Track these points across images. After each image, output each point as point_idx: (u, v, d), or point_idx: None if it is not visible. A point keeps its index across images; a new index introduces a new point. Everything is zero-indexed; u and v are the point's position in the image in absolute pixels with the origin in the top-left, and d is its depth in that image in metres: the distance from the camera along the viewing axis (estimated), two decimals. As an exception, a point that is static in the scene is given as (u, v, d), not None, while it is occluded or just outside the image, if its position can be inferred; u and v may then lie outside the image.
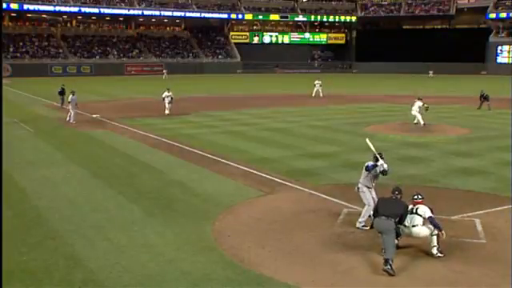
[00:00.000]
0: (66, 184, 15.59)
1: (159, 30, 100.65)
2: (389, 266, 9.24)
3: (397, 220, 9.79)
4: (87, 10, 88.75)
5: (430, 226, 10.09)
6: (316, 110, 36.07)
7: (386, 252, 9.46)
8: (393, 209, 9.86)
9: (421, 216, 10.14)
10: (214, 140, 23.70)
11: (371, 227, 10.29)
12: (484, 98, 36.84)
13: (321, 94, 46.06)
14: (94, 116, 31.59)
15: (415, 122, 28.01)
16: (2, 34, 76.46)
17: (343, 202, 13.41)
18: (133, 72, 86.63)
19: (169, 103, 32.16)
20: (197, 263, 9.68)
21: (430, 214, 10.11)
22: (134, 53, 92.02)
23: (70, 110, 29.05)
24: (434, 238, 10.12)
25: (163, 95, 32.60)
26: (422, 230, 10.12)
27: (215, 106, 39.32)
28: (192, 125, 28.79)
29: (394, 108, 37.71)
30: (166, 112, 31.94)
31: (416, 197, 10.49)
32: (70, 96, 29.40)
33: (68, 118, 28.95)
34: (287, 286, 8.84)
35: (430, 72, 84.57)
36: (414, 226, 10.10)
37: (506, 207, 13.20)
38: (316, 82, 47.01)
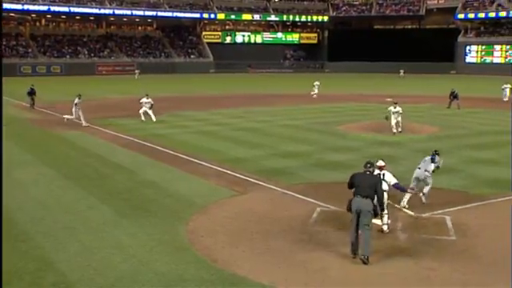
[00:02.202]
0: (37, 185, 15.35)
1: (131, 29, 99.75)
2: (366, 259, 9.56)
3: (373, 197, 9.88)
4: (57, 8, 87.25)
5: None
6: (288, 110, 36.18)
7: (366, 248, 9.64)
8: (368, 186, 9.90)
9: (387, 182, 11.01)
10: (187, 140, 23.59)
11: (349, 209, 10.04)
12: (454, 96, 37.44)
13: (314, 95, 45.73)
14: (65, 117, 31.14)
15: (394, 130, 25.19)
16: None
17: (316, 201, 13.47)
18: (104, 72, 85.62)
19: (149, 109, 29.60)
20: (170, 264, 9.63)
21: (396, 181, 11.03)
22: (106, 52, 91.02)
23: (79, 114, 27.82)
24: (386, 216, 11.06)
25: (142, 101, 30.08)
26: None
27: (188, 105, 39.15)
28: (164, 125, 28.61)
29: (366, 107, 38.08)
30: (151, 119, 29.20)
31: (379, 162, 11.43)
32: (76, 99, 27.93)
33: (83, 123, 27.53)
34: (261, 285, 8.85)
35: (401, 71, 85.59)
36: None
37: (475, 204, 13.45)
38: (315, 83, 46.90)
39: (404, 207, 12.61)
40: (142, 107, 29.83)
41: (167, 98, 45.04)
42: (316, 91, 46.23)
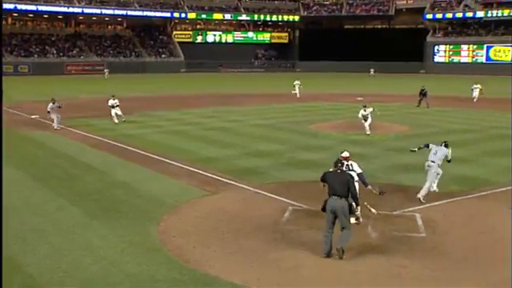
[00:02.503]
0: (4, 187, 14.98)
1: (100, 28, 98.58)
2: (341, 252, 9.75)
3: (347, 195, 9.95)
4: (23, 7, 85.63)
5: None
6: (260, 109, 36.23)
7: (344, 240, 9.81)
8: (340, 184, 9.94)
9: (355, 172, 11.53)
10: (158, 140, 23.43)
11: (323, 209, 10.08)
12: (423, 94, 37.96)
13: (298, 95, 45.24)
14: (33, 117, 30.64)
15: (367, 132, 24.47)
16: None
17: (288, 200, 13.51)
18: (73, 71, 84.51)
19: (117, 109, 28.87)
20: (141, 265, 9.53)
21: (361, 171, 11.50)
22: (75, 52, 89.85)
23: (53, 117, 26.81)
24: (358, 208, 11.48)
25: (109, 103, 29.15)
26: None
27: (159, 105, 38.89)
28: (135, 125, 28.36)
29: (337, 106, 38.38)
30: (121, 120, 28.79)
31: (344, 153, 12.01)
32: (50, 105, 26.90)
33: (56, 126, 26.66)
34: (233, 285, 8.82)
35: (371, 70, 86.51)
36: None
37: (444, 202, 13.65)
38: (295, 82, 46.35)
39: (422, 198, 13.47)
40: (111, 109, 29.02)
41: (138, 98, 44.69)
42: (297, 90, 45.75)
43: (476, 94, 42.50)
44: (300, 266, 9.60)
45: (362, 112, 24.78)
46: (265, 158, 19.38)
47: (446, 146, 14.53)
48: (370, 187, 11.86)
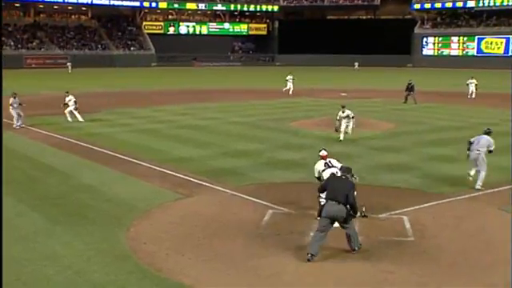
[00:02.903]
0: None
1: (63, 18, 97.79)
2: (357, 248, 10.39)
3: (346, 203, 10.21)
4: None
5: None
6: (237, 106, 36.26)
7: (355, 242, 10.38)
8: (342, 191, 10.22)
9: (336, 168, 11.83)
10: (127, 139, 23.31)
11: (319, 215, 10.48)
12: (410, 89, 38.28)
13: (290, 91, 44.99)
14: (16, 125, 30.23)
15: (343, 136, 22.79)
16: None
17: (268, 203, 13.55)
18: (33, 65, 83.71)
19: (75, 109, 28.61)
20: (110, 274, 9.49)
21: (341, 164, 11.87)
22: (35, 43, 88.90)
23: (13, 114, 26.42)
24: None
25: (66, 100, 28.78)
26: None
27: (128, 102, 38.68)
28: (102, 123, 28.18)
29: (320, 102, 38.59)
30: (80, 119, 28.46)
31: (322, 152, 12.43)
32: (11, 99, 26.52)
33: (16, 124, 26.33)
34: (209, 294, 8.84)
35: (356, 64, 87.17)
36: None
37: (432, 203, 13.82)
38: (288, 76, 46.12)
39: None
40: (67, 107, 28.67)
41: (105, 94, 44.40)
42: (290, 86, 45.50)
43: (472, 88, 42.48)
44: (280, 272, 9.65)
45: (340, 113, 22.70)
46: (242, 157, 19.41)
47: (488, 133, 15.28)
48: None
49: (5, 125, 26.66)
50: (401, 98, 38.67)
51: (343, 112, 22.71)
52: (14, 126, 26.31)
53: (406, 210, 13.16)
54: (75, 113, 28.75)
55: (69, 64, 77.49)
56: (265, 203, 13.61)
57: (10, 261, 10.04)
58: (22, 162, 18.79)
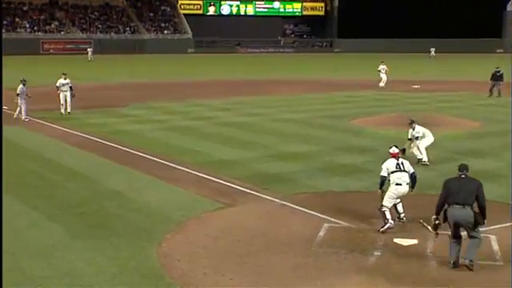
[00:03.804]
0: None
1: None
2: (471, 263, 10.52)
3: (473, 204, 10.48)
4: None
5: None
6: (288, 100, 36.24)
7: (472, 251, 10.57)
8: (466, 192, 10.49)
9: (407, 173, 12.36)
10: (158, 138, 23.56)
11: (444, 219, 10.74)
12: (497, 78, 37.41)
13: (382, 83, 44.85)
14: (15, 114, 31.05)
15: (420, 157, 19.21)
16: None
17: (323, 215, 13.48)
18: (51, 51, 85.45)
19: (71, 96, 29.48)
20: (137, 296, 9.62)
21: (414, 170, 12.57)
22: (53, 26, 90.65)
23: (19, 104, 27.56)
24: (400, 204, 12.74)
25: (58, 83, 29.66)
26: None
27: (160, 94, 39.07)
28: (130, 119, 28.57)
29: (387, 97, 38.18)
30: (67, 110, 29.44)
31: (392, 149, 12.77)
32: (20, 86, 27.61)
33: (17, 114, 27.54)
34: (253, 322, 8.86)
35: (432, 50, 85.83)
36: (407, 183, 12.44)
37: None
38: (380, 67, 45.98)
39: None
40: (60, 93, 29.45)
41: (133, 85, 45.01)
42: (384, 77, 45.12)
43: None
44: (338, 299, 9.61)
45: (410, 131, 19.34)
46: (293, 161, 19.38)
47: None
48: None
49: (15, 119, 27.33)
50: (486, 91, 37.92)
51: (413, 129, 19.27)
52: (22, 118, 27.08)
53: (493, 227, 12.81)
54: (68, 100, 29.28)
55: (89, 50, 78.74)
56: (320, 215, 13.55)
57: (23, 279, 10.27)
58: (38, 164, 19.19)
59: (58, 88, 29.48)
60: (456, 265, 10.47)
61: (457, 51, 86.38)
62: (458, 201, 10.43)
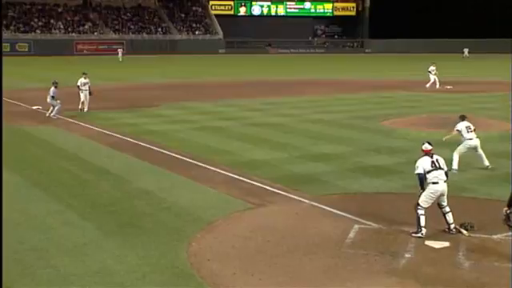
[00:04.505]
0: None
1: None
2: None
3: None
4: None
5: None
6: (319, 101, 36.18)
7: None
8: None
9: (443, 170, 12.17)
10: (190, 138, 23.68)
11: None
12: None
13: (437, 85, 44.49)
14: (35, 108, 31.45)
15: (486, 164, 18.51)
16: None
17: (353, 217, 13.43)
18: (85, 51, 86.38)
19: (88, 94, 30.89)
20: (167, 295, 9.66)
21: (446, 169, 12.29)
22: (86, 27, 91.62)
23: (52, 104, 28.41)
24: (450, 214, 12.27)
25: (78, 83, 30.92)
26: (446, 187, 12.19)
27: (191, 95, 39.27)
28: (161, 119, 28.76)
29: (418, 97, 37.91)
30: (85, 108, 30.75)
31: (425, 145, 12.62)
32: (52, 89, 28.27)
33: (52, 114, 28.35)
34: (283, 323, 8.84)
35: (465, 50, 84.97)
36: (444, 181, 12.17)
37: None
38: (431, 68, 45.77)
39: None
40: (80, 93, 30.67)
41: (165, 85, 45.25)
42: (435, 78, 44.71)
43: None
44: (368, 301, 9.55)
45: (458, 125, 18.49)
46: (324, 162, 19.33)
47: None
48: None
49: (49, 119, 27.65)
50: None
51: (469, 136, 18.39)
52: (52, 115, 28.01)
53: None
54: (86, 99, 30.70)
55: (119, 50, 79.31)
56: (350, 217, 13.50)
57: (56, 275, 10.39)
58: (71, 163, 19.39)
59: (78, 87, 30.79)
60: None
61: (491, 51, 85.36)
62: None
